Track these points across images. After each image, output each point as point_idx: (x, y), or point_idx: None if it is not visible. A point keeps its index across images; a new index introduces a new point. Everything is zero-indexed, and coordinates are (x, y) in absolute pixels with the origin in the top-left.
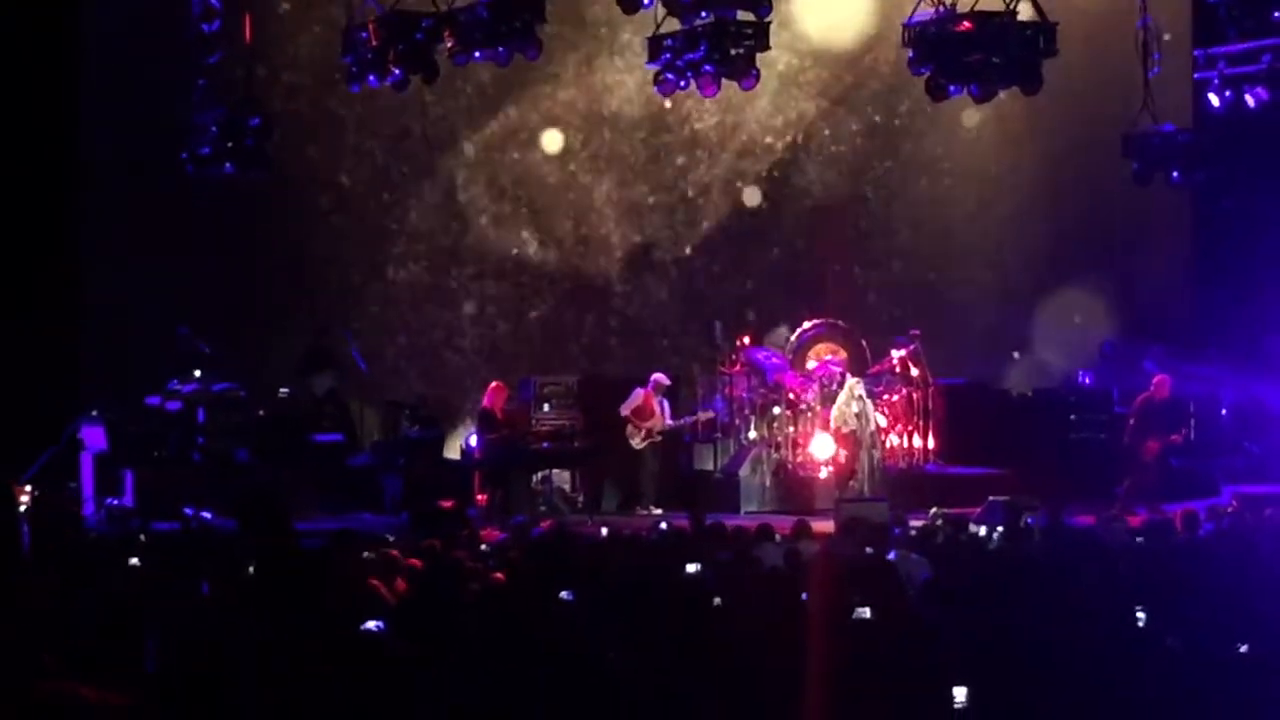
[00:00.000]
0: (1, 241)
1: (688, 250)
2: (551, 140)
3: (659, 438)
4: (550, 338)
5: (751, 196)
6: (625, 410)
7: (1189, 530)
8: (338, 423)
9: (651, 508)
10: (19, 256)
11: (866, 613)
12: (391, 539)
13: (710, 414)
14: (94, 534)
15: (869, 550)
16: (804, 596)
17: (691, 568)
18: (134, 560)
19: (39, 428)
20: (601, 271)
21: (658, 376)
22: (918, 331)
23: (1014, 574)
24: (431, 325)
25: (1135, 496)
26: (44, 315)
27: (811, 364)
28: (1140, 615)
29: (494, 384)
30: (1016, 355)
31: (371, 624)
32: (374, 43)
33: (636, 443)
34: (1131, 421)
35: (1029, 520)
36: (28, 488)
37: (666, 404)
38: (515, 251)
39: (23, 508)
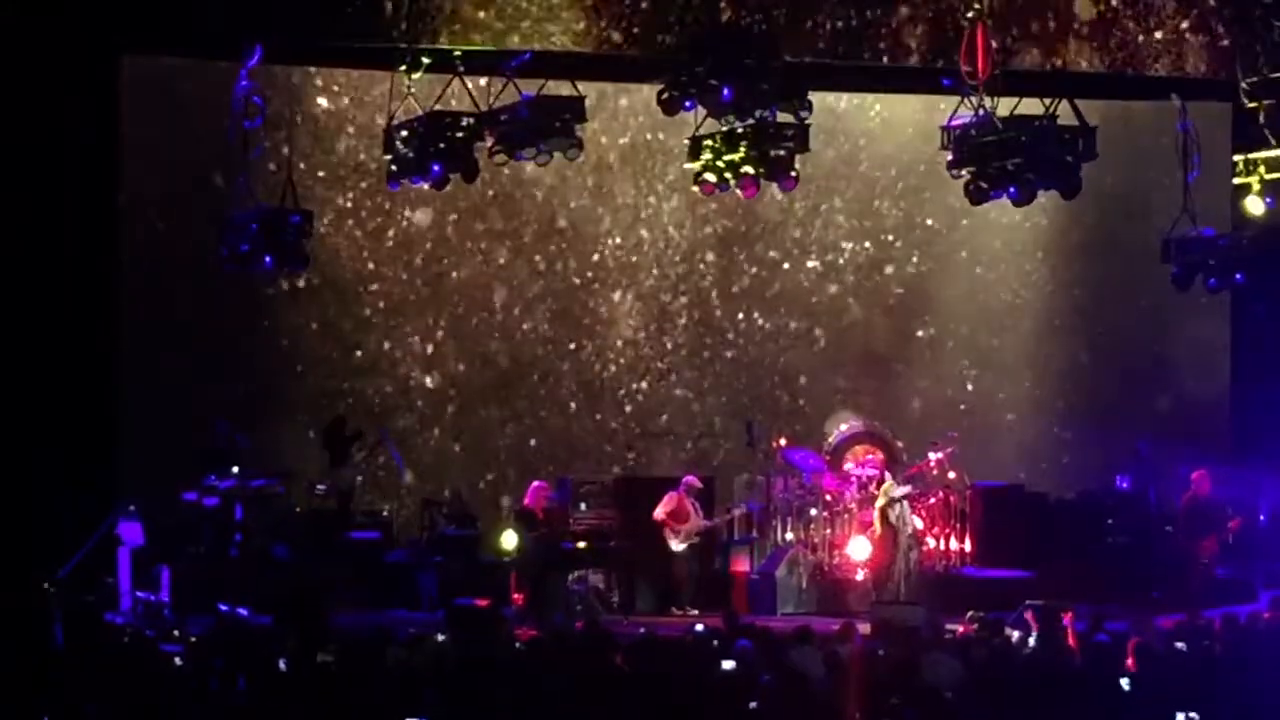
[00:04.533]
0: (39, 337)
1: (727, 353)
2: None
3: (697, 539)
4: (583, 437)
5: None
6: (660, 514)
7: (1229, 635)
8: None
9: (688, 608)
10: (57, 352)
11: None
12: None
13: (742, 509)
14: (129, 629)
15: (903, 653)
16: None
17: (727, 665)
18: (176, 660)
19: (76, 523)
20: (634, 370)
21: (689, 479)
22: (955, 434)
23: (1050, 678)
24: (468, 423)
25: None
26: (81, 410)
27: (849, 465)
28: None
29: (536, 483)
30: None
31: None
32: (415, 142)
33: (676, 545)
34: (1181, 524)
35: (1068, 624)
36: (45, 584)
37: (699, 506)
38: (549, 352)
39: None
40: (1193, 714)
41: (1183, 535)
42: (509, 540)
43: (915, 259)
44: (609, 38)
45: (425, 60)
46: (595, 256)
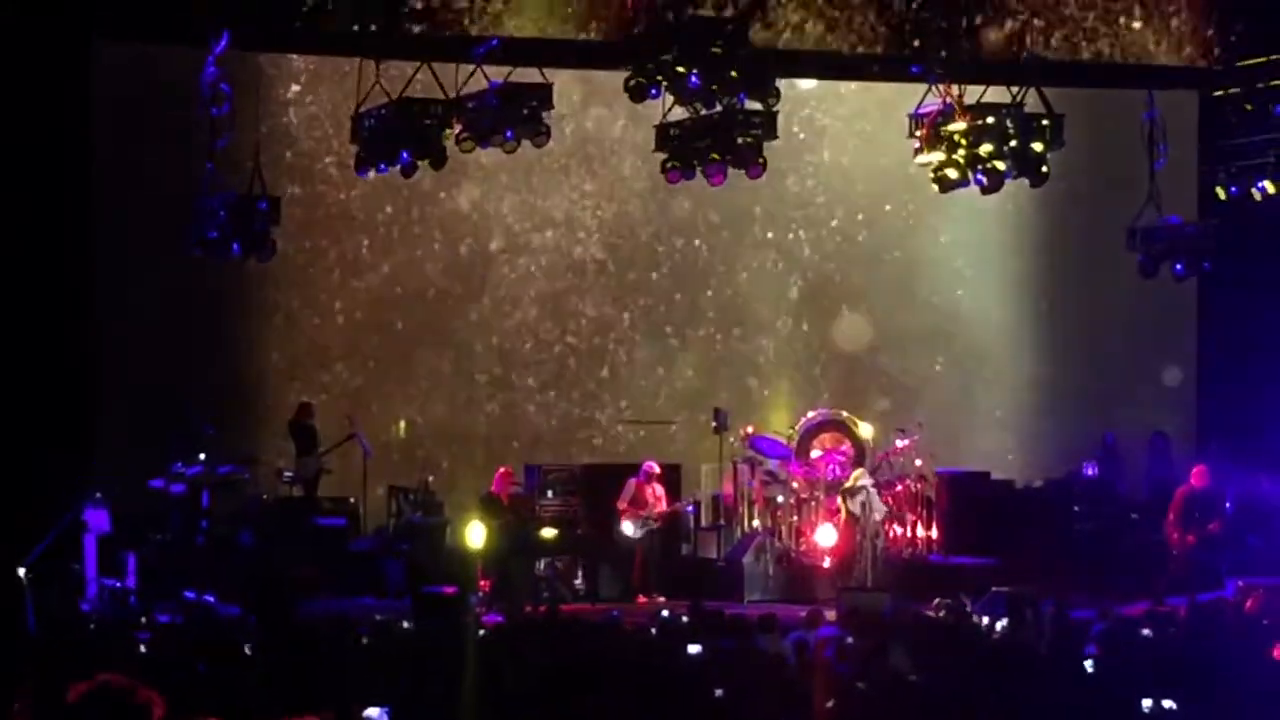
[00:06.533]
0: (8, 324)
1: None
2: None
3: (655, 525)
4: (557, 422)
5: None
6: (621, 502)
7: (1194, 622)
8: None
9: (654, 595)
10: (25, 339)
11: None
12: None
13: (696, 499)
14: (95, 616)
15: (870, 639)
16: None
17: (693, 649)
18: (142, 647)
19: (45, 510)
20: (600, 356)
21: (647, 465)
22: (922, 422)
23: (1018, 664)
24: (436, 409)
25: (1171, 589)
26: (49, 397)
27: (816, 453)
28: (1145, 705)
29: (502, 470)
30: (1010, 458)
31: (373, 711)
32: (382, 129)
33: (631, 531)
34: (1171, 515)
35: (1033, 611)
36: (20, 571)
37: (661, 490)
38: (523, 338)
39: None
40: (1162, 700)
41: (1171, 528)
42: (475, 536)
43: (886, 247)
44: (577, 25)
45: (393, 47)
46: (560, 241)
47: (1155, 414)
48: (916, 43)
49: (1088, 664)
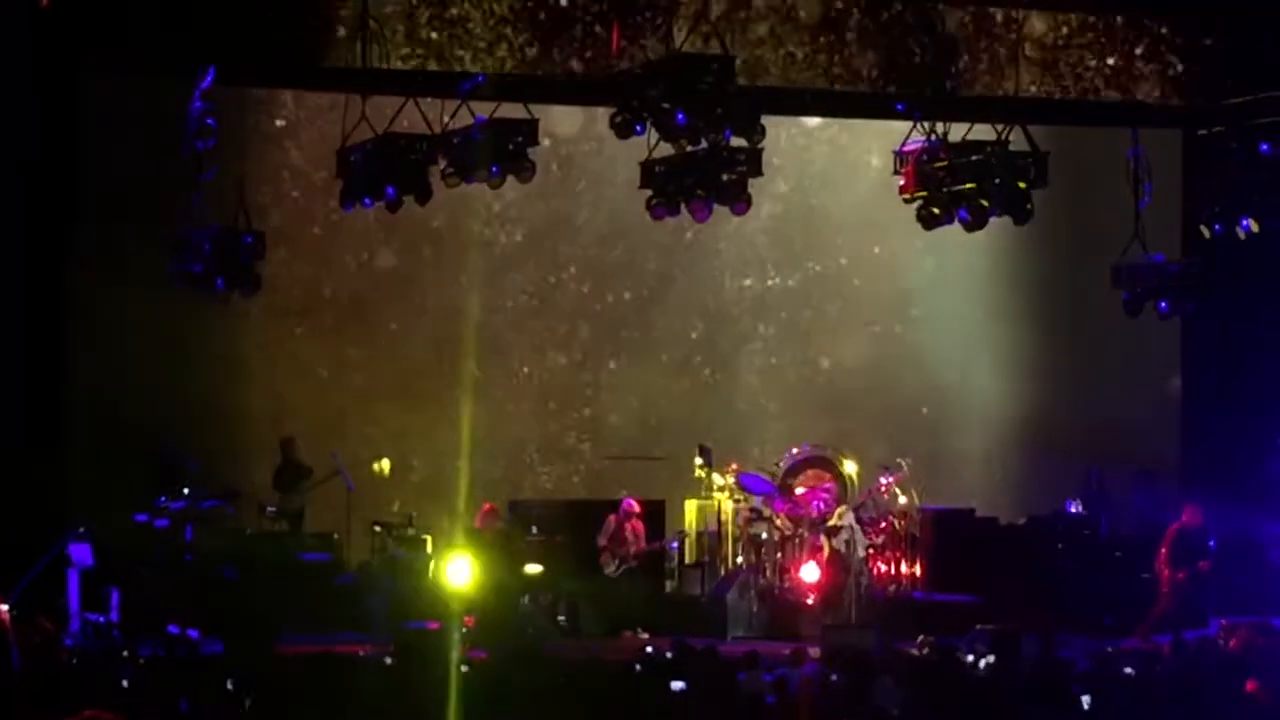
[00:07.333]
0: None
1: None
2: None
3: (634, 563)
4: (541, 457)
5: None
6: (602, 540)
7: (1178, 660)
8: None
9: (639, 631)
10: (7, 372)
11: None
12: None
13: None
14: (78, 650)
15: (854, 676)
16: None
17: (676, 685)
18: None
19: (27, 545)
20: (593, 385)
21: (627, 502)
22: (904, 460)
23: (1003, 701)
24: (419, 445)
25: (1159, 626)
26: (33, 430)
27: (800, 490)
28: None
29: (486, 506)
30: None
31: None
32: (368, 164)
33: (611, 570)
34: (1164, 551)
35: (1018, 648)
36: (4, 607)
37: (640, 528)
38: (507, 371)
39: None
40: None
41: (1161, 564)
42: (459, 572)
43: (871, 283)
44: (562, 61)
45: (379, 82)
46: (550, 278)
47: (1140, 450)
48: (902, 80)
49: (1072, 702)
